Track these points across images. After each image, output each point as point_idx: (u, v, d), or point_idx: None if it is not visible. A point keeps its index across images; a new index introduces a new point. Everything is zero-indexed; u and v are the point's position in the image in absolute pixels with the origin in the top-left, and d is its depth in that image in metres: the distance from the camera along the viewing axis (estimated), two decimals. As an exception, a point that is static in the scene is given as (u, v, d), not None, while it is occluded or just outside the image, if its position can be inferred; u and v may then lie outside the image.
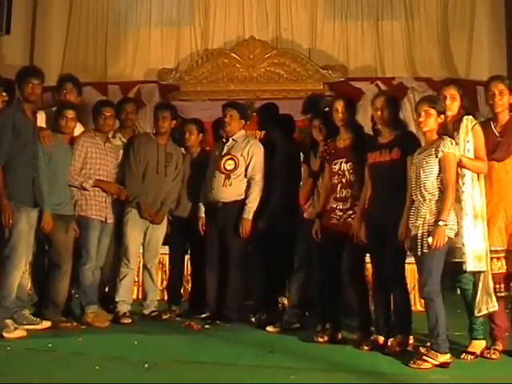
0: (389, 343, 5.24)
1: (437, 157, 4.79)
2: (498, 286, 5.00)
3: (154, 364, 4.85)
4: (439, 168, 4.79)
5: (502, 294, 5.02)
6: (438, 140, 4.86)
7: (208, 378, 4.65)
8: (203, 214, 6.58)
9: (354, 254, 5.45)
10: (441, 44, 10.42)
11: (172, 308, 6.74)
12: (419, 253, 4.76)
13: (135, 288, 7.32)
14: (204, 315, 6.41)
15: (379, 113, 5.24)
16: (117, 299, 6.48)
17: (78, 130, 6.54)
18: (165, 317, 6.54)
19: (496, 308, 4.98)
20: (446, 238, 4.72)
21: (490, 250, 4.98)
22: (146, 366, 4.78)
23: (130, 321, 6.33)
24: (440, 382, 4.69)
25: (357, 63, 10.44)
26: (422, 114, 4.87)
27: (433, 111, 4.87)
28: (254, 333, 6.05)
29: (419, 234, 4.77)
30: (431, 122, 4.87)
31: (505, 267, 5.02)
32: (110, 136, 6.65)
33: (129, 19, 10.97)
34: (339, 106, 5.59)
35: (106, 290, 6.69)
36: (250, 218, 6.36)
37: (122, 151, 6.69)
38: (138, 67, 10.83)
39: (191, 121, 7.03)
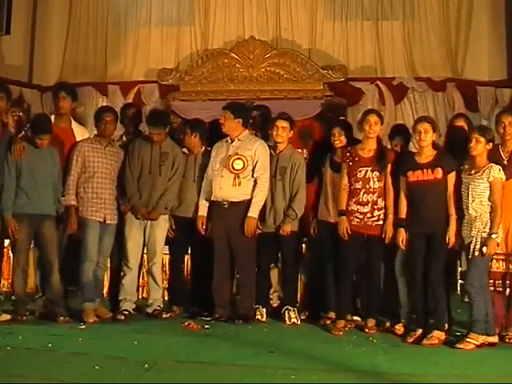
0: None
1: (488, 181, 5.59)
2: (497, 282, 5.80)
3: (154, 364, 4.85)
4: (490, 190, 5.60)
5: (500, 289, 5.81)
6: (487, 165, 5.65)
7: (208, 378, 4.66)
8: (203, 213, 6.59)
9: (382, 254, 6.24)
10: (441, 44, 10.43)
11: (173, 308, 6.74)
12: (470, 257, 5.61)
13: (140, 287, 7.37)
14: (216, 316, 6.40)
15: (422, 136, 5.85)
16: (120, 297, 6.57)
17: (80, 133, 6.83)
18: (165, 316, 6.57)
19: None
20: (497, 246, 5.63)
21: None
22: (145, 366, 4.78)
23: (123, 317, 6.40)
24: (438, 382, 4.71)
25: (357, 63, 10.45)
26: (474, 140, 5.63)
27: (482, 139, 5.63)
28: (254, 332, 6.06)
29: (473, 243, 5.59)
30: (480, 147, 5.64)
31: (503, 267, 5.80)
32: (116, 139, 6.89)
33: (129, 19, 10.99)
34: (372, 119, 6.19)
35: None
36: (256, 216, 6.40)
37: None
38: (138, 67, 10.84)
39: (187, 122, 7.05)
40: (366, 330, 6.11)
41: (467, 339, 5.52)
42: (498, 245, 5.63)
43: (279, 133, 6.54)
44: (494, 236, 5.53)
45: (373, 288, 6.30)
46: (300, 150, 7.59)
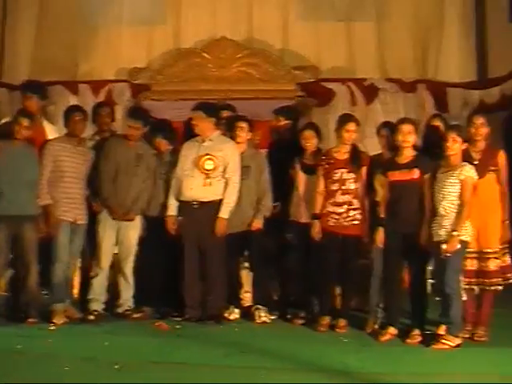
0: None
1: (459, 179, 5.64)
2: (470, 280, 5.85)
3: (125, 365, 4.84)
4: (460, 188, 5.64)
5: (473, 287, 5.88)
6: (460, 164, 5.71)
7: (178, 379, 4.67)
8: (173, 213, 6.58)
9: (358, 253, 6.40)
10: (412, 46, 10.48)
11: (143, 308, 6.71)
12: (444, 256, 5.57)
13: (111, 287, 7.29)
14: (187, 317, 6.40)
15: (406, 136, 5.95)
16: (88, 297, 6.54)
17: (52, 132, 6.86)
18: (136, 316, 6.55)
19: (465, 298, 5.80)
20: (459, 245, 5.56)
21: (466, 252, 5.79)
22: (116, 366, 4.77)
23: (93, 318, 6.38)
24: (409, 381, 4.75)
25: (328, 64, 10.44)
26: (451, 140, 5.70)
27: (459, 138, 5.72)
28: (225, 333, 6.06)
29: (442, 241, 5.62)
30: (456, 147, 5.72)
31: (476, 265, 5.87)
32: (88, 139, 6.87)
33: (100, 17, 10.84)
34: (352, 127, 6.32)
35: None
36: (227, 217, 6.42)
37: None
38: (109, 66, 10.71)
39: (154, 124, 7.04)
40: (337, 330, 6.15)
41: (443, 340, 5.57)
42: (468, 243, 5.68)
43: (237, 133, 6.61)
44: (455, 233, 5.55)
45: (347, 288, 6.38)
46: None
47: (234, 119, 6.83)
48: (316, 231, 6.30)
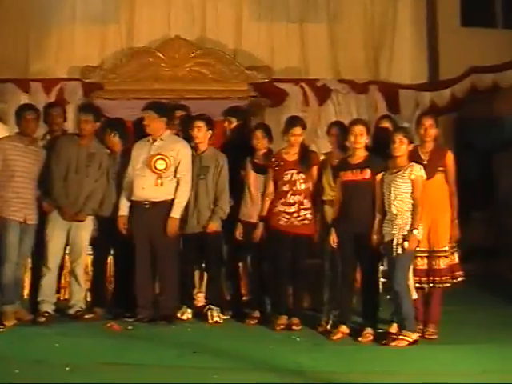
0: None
1: (410, 178, 5.72)
2: (421, 279, 5.93)
3: (76, 366, 4.80)
4: (411, 187, 5.73)
5: (424, 286, 5.96)
6: (408, 164, 5.80)
7: (131, 380, 4.64)
8: (124, 213, 6.54)
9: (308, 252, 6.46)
10: (364, 47, 10.62)
11: (95, 309, 6.66)
12: (395, 254, 5.66)
13: (62, 289, 7.25)
14: (139, 317, 6.35)
15: (358, 138, 6.02)
16: (38, 299, 6.44)
17: (3, 131, 6.77)
18: (87, 317, 6.49)
19: (416, 296, 5.86)
20: (418, 243, 5.71)
21: (417, 251, 5.87)
22: (67, 368, 4.72)
23: (44, 319, 6.30)
24: (361, 379, 4.80)
25: (281, 64, 10.51)
26: (397, 141, 5.79)
27: (406, 140, 5.82)
28: (178, 333, 6.05)
29: (395, 240, 5.67)
30: (403, 148, 5.82)
31: (426, 264, 5.94)
32: (40, 138, 6.78)
33: (52, 15, 10.71)
34: (297, 131, 6.38)
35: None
36: (178, 217, 6.40)
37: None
38: (62, 64, 10.60)
39: (107, 121, 7.01)
40: (294, 327, 6.20)
41: (400, 337, 5.63)
42: (419, 242, 5.74)
43: (195, 133, 6.58)
44: (415, 232, 5.64)
45: (299, 286, 6.44)
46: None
47: (192, 119, 6.79)
48: (258, 233, 6.44)
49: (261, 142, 6.60)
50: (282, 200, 6.35)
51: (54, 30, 10.67)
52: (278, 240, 6.35)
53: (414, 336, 5.64)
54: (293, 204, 6.31)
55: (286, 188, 6.35)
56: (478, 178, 9.54)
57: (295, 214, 6.31)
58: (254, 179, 6.59)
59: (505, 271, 8.95)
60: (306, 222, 6.33)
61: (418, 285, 5.89)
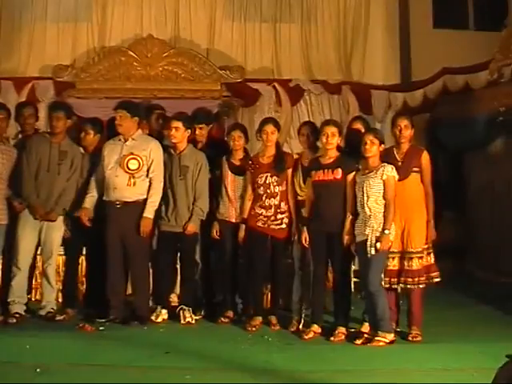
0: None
1: (381, 179, 5.74)
2: (392, 280, 5.93)
3: (47, 368, 4.77)
4: (383, 188, 5.75)
5: (395, 286, 5.97)
6: (380, 165, 5.81)
7: (102, 380, 4.61)
8: (87, 205, 6.46)
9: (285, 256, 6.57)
10: (337, 48, 10.70)
11: (66, 310, 6.62)
12: (369, 255, 5.68)
13: (34, 289, 7.18)
14: (111, 318, 6.30)
15: (330, 138, 6.02)
16: (9, 299, 6.37)
17: None
18: (59, 318, 6.43)
19: None
20: (390, 243, 5.72)
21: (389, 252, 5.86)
22: (38, 370, 4.69)
23: (15, 321, 6.22)
24: (333, 379, 4.82)
25: (254, 64, 10.55)
26: (369, 142, 5.79)
27: (376, 141, 5.83)
28: (150, 334, 6.03)
29: (369, 240, 5.69)
30: (374, 149, 5.82)
31: (398, 265, 5.95)
32: (11, 138, 6.76)
33: (24, 13, 10.63)
34: (269, 129, 6.43)
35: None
36: (151, 216, 6.38)
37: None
38: (33, 63, 10.53)
39: (88, 120, 6.95)
40: (272, 327, 6.26)
41: (377, 338, 5.65)
42: (391, 243, 5.74)
43: (173, 133, 6.52)
44: (387, 232, 5.67)
45: (277, 286, 6.54)
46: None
47: (168, 119, 6.76)
48: (241, 236, 6.48)
49: (238, 143, 6.60)
50: (259, 203, 6.40)
51: (26, 28, 10.59)
52: (256, 240, 6.41)
53: (390, 337, 5.68)
54: (269, 207, 6.36)
55: (261, 191, 6.40)
56: (449, 178, 9.61)
57: (272, 218, 6.36)
58: (231, 180, 6.60)
59: (473, 270, 9.03)
60: (284, 226, 6.37)
61: (387, 285, 5.88)
